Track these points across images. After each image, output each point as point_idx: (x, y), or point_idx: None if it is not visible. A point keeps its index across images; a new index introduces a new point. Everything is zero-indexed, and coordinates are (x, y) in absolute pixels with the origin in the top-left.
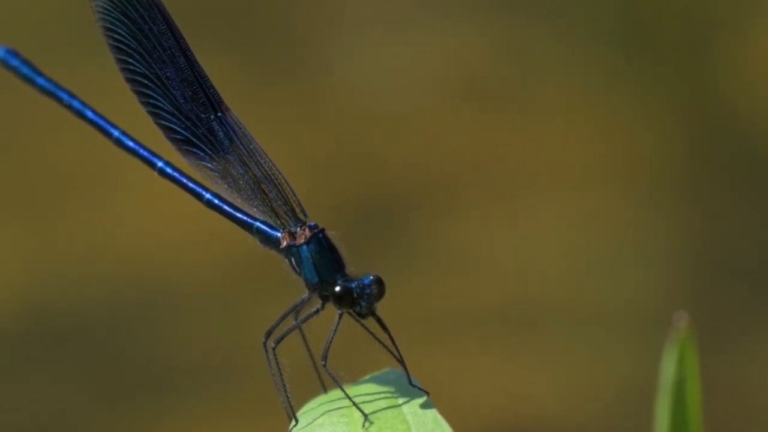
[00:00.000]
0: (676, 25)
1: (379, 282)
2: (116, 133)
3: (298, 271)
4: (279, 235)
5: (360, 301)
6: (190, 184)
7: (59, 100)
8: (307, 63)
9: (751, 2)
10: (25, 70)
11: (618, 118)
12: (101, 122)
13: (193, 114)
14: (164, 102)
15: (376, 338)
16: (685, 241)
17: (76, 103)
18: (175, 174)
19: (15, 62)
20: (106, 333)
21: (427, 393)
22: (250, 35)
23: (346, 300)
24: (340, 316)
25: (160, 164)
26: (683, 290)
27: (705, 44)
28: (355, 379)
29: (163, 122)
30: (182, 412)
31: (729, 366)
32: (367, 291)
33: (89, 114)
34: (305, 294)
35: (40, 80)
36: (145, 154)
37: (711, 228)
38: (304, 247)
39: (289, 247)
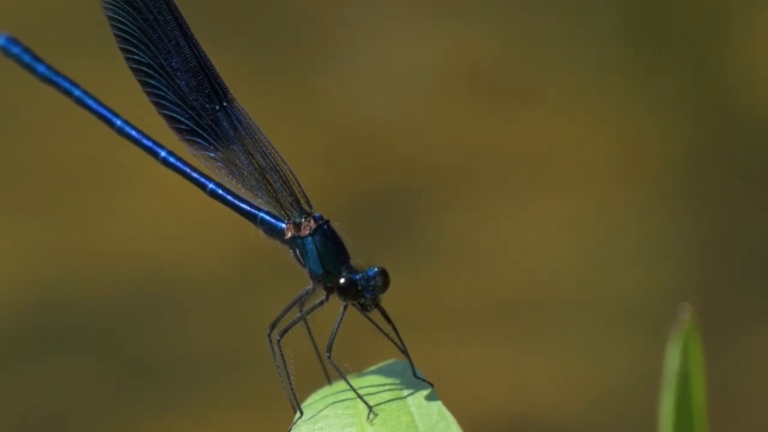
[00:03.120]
0: (684, 19)
1: (383, 274)
2: (119, 122)
3: (303, 262)
4: (283, 225)
5: (364, 293)
6: (194, 174)
7: (60, 88)
8: (316, 58)
9: None
10: (25, 57)
11: (625, 113)
12: (103, 111)
13: (198, 104)
14: (168, 92)
15: (381, 330)
16: (691, 235)
17: (77, 92)
18: (179, 163)
19: (16, 50)
20: (117, 326)
21: (431, 385)
22: (255, 28)
23: (350, 292)
24: (345, 308)
25: (163, 153)
26: (689, 284)
27: (713, 38)
28: (359, 371)
29: (166, 112)
30: (192, 402)
31: (734, 359)
32: (372, 283)
33: (91, 103)
34: (310, 285)
35: (41, 68)
36: (148, 143)
37: (718, 223)
38: (309, 238)
39: (293, 238)
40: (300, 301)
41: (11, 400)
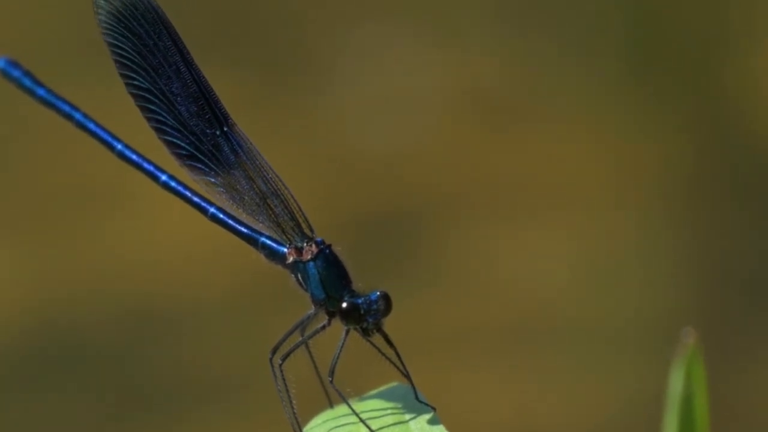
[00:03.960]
0: (684, 42)
1: (386, 298)
2: (119, 146)
3: (305, 286)
4: (285, 250)
5: (367, 317)
6: (195, 198)
7: (60, 112)
8: (316, 79)
9: (757, 18)
10: (26, 81)
11: (625, 135)
12: (104, 135)
13: (199, 129)
14: (169, 117)
15: (383, 354)
16: (692, 257)
17: (77, 115)
18: (179, 187)
19: (16, 73)
20: (114, 350)
21: (433, 408)
22: (254, 51)
23: (353, 316)
24: (347, 332)
25: (164, 177)
26: (691, 306)
27: (714, 60)
28: (361, 395)
29: (167, 137)
30: (192, 426)
31: (737, 381)
32: (374, 307)
33: (91, 126)
34: (311, 310)
35: (40, 91)
36: (149, 167)
37: (718, 244)
38: (311, 263)
39: (295, 262)
40: (302, 325)
41: (6, 429)
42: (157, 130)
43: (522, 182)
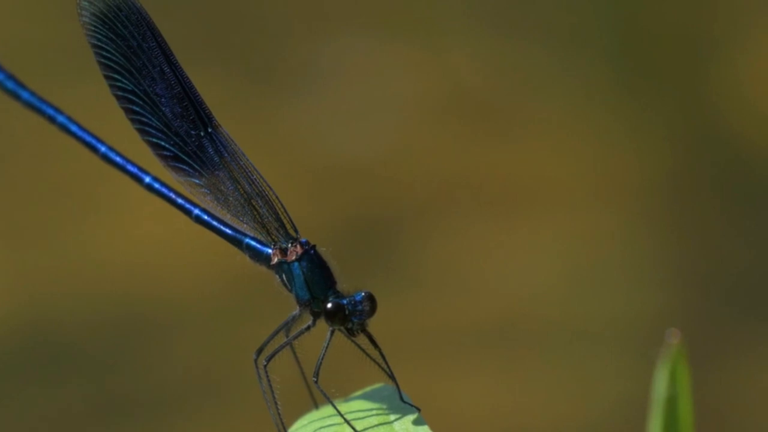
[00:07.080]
0: (668, 45)
1: (370, 299)
2: (103, 149)
3: (289, 287)
4: (270, 251)
5: (352, 317)
6: (179, 200)
7: (44, 114)
8: (296, 83)
9: (742, 23)
10: (9, 84)
11: (609, 136)
12: (88, 137)
13: (183, 130)
14: (153, 119)
15: (368, 355)
16: (676, 258)
17: (61, 118)
18: (163, 189)
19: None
20: (96, 352)
21: (418, 409)
22: (234, 57)
23: (338, 317)
24: (332, 332)
25: (147, 179)
26: (675, 307)
27: (697, 64)
28: (346, 396)
29: (151, 139)
30: (173, 429)
31: (721, 382)
32: (359, 308)
33: (75, 129)
34: (296, 310)
35: (24, 94)
36: (133, 169)
37: (702, 245)
38: (296, 263)
39: (280, 263)
40: (287, 326)
41: None
42: (141, 131)
43: (504, 183)
